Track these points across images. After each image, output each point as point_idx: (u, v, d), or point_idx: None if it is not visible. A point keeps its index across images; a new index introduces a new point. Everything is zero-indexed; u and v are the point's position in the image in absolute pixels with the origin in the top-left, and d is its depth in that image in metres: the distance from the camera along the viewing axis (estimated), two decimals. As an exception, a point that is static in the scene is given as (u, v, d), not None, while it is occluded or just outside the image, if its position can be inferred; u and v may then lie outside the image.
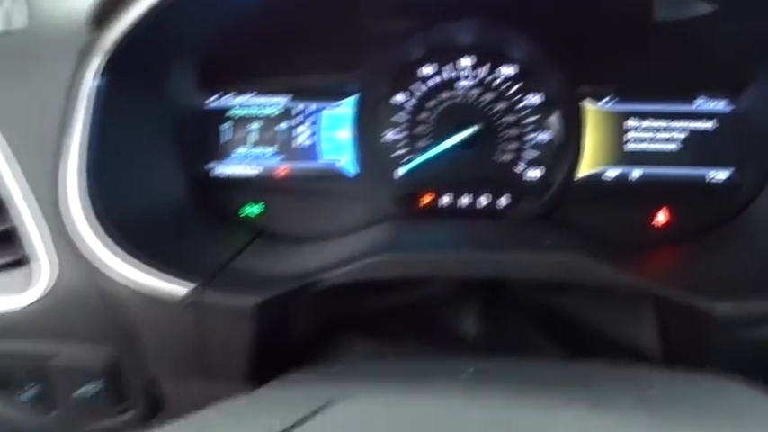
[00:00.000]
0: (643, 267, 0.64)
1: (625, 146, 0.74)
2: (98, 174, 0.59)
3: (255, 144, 0.78)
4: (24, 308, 0.57)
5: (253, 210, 0.78)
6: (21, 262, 0.59)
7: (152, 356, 0.60)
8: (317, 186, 0.77)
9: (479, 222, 0.73)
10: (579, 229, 0.72)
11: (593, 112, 0.74)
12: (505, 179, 0.75)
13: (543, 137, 0.75)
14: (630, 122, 0.74)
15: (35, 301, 0.58)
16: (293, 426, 0.30)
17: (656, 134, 0.74)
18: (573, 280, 0.58)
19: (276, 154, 0.78)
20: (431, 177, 0.75)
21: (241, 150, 0.78)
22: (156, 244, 0.61)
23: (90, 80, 0.58)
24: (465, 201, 0.76)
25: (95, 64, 0.58)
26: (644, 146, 0.74)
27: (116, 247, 0.57)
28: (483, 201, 0.75)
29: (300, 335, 0.68)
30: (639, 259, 0.66)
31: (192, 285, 0.57)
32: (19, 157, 0.58)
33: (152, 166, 0.69)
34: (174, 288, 0.57)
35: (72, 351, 0.57)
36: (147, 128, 0.68)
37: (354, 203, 0.76)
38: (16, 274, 0.59)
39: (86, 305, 0.58)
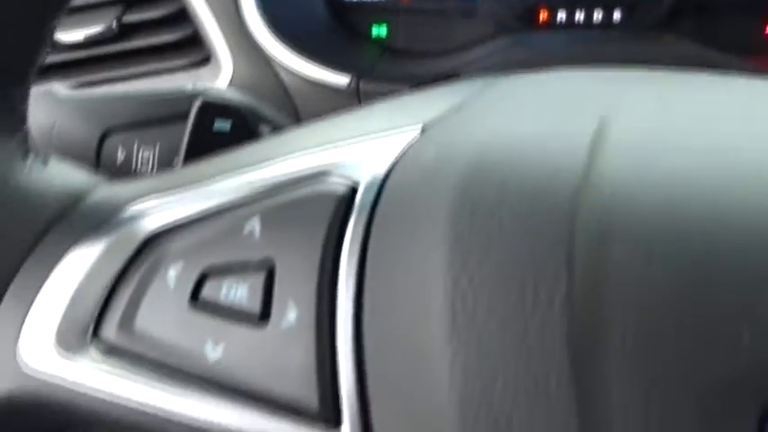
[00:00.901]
0: (756, 59, 0.69)
1: (741, -44, 0.77)
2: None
3: (382, -31, 0.84)
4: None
5: (381, 30, 0.85)
6: (207, 60, 0.70)
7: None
8: (439, 7, 0.83)
9: (597, 32, 0.78)
10: (693, 37, 0.77)
11: None
12: (620, -7, 0.79)
13: (660, -50, 0.78)
14: (748, -68, 0.76)
15: (220, 92, 0.69)
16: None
17: (774, -56, 0.76)
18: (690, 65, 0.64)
19: (401, -22, 0.84)
20: (549, -6, 0.80)
21: (369, -25, 0.85)
22: (314, 47, 0.70)
23: None
24: (581, 15, 0.81)
25: None
26: (760, -44, 0.76)
27: (286, 46, 0.67)
28: (598, 15, 0.80)
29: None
30: (753, 56, 0.70)
31: (349, 77, 0.67)
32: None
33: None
34: (337, 78, 0.67)
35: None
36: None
37: (476, 22, 0.82)
38: (205, 69, 0.71)
39: (259, 96, 0.69)
